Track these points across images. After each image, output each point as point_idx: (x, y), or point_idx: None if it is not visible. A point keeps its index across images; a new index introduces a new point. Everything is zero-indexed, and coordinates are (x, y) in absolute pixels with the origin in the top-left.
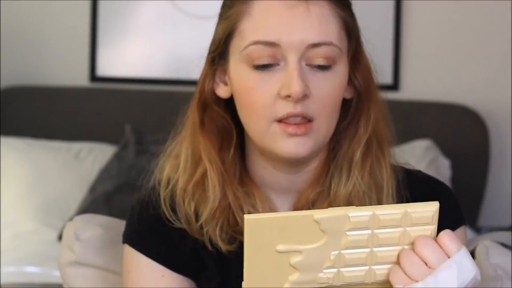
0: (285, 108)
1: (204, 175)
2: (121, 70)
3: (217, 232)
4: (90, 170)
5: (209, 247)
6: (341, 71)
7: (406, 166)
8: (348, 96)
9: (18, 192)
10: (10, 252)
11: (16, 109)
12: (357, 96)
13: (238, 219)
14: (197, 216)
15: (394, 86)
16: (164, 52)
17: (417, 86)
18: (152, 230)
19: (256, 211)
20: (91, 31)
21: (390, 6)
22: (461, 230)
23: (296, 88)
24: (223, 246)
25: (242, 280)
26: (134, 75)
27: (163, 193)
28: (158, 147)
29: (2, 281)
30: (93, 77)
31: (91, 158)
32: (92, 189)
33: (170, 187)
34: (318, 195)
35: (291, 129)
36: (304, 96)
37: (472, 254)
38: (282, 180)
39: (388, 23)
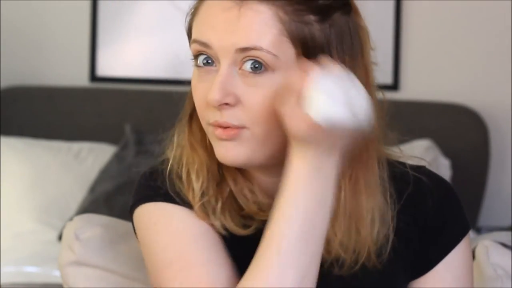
0: (213, 115)
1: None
2: (121, 70)
3: (229, 218)
4: (90, 170)
5: (222, 231)
6: (279, 78)
7: (411, 162)
8: None
9: (18, 192)
10: (10, 252)
11: (16, 109)
12: None
13: (242, 204)
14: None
15: (394, 86)
16: (164, 52)
17: (417, 86)
18: (170, 190)
19: (254, 195)
20: (91, 31)
21: (390, 6)
22: (467, 237)
23: (212, 95)
24: (238, 231)
25: None
26: (134, 75)
27: (169, 180)
28: (163, 139)
29: (2, 281)
30: (93, 77)
31: (91, 158)
32: (92, 189)
33: (173, 175)
34: None
35: (217, 132)
36: (227, 105)
37: (472, 254)
38: (263, 182)
39: (388, 23)
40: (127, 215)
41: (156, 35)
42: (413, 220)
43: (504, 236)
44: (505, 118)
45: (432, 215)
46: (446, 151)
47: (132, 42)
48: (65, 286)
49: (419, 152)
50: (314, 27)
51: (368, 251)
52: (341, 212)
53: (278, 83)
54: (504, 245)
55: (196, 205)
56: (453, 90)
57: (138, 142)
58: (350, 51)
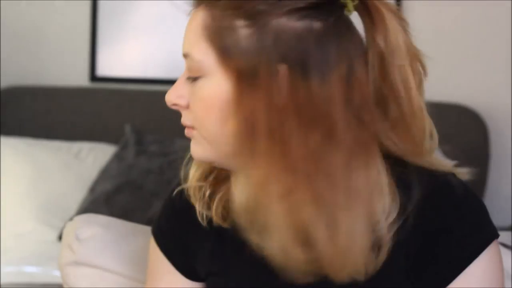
0: None
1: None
2: (121, 70)
3: (213, 206)
4: (90, 170)
5: (204, 222)
6: (210, 82)
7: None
8: None
9: (18, 192)
10: (10, 252)
11: (16, 109)
12: None
13: (233, 194)
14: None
15: None
16: (164, 52)
17: None
18: (173, 229)
19: None
20: (91, 31)
21: None
22: (492, 248)
23: (166, 97)
24: (217, 220)
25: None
26: (134, 75)
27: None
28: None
29: (2, 281)
30: (93, 77)
31: (91, 158)
32: (92, 189)
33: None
34: None
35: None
36: (179, 106)
37: None
38: None
39: None
40: (127, 215)
41: (156, 35)
42: (422, 229)
43: (504, 236)
44: (505, 118)
45: (444, 227)
46: (446, 151)
47: (131, 42)
48: (65, 286)
49: None
50: (240, 32)
51: (385, 243)
52: (341, 186)
53: (211, 85)
54: (504, 245)
55: (191, 186)
56: (453, 90)
57: (138, 142)
58: (303, 63)
